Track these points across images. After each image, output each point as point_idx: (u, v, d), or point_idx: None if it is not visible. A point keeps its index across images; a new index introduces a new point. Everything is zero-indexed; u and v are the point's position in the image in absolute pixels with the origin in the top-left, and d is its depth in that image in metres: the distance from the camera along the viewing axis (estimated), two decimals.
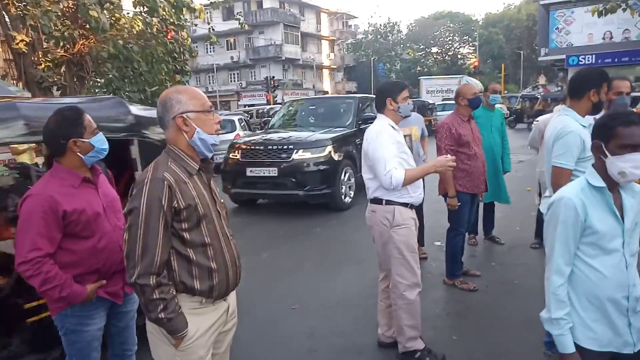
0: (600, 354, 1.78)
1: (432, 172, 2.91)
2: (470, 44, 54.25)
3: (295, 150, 7.15)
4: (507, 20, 51.80)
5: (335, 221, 6.88)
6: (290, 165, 7.09)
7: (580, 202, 1.71)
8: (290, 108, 9.58)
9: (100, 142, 2.20)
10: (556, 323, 1.75)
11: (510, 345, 3.26)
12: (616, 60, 22.08)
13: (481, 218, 5.45)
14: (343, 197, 7.48)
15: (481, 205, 5.26)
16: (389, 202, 2.92)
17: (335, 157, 7.29)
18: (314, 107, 9.36)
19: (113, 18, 9.77)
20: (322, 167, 7.11)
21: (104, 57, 9.27)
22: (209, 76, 44.57)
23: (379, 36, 54.60)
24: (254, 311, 3.91)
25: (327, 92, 45.96)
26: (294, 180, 7.08)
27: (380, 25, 56.13)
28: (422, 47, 56.54)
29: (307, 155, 7.12)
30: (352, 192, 7.71)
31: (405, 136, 3.15)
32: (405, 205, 2.94)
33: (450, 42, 57.07)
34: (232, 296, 1.97)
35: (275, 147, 7.30)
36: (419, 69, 54.24)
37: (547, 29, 25.16)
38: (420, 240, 4.90)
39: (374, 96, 3.12)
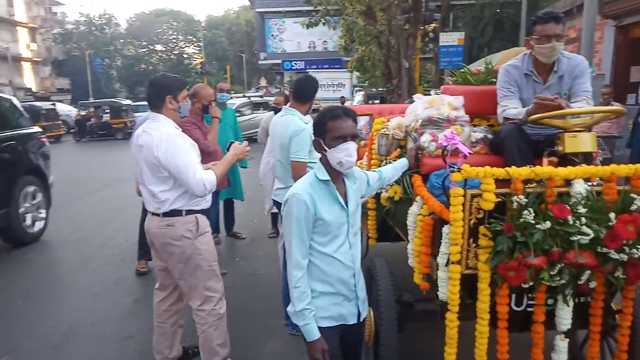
0: (333, 328, 1.95)
1: (235, 161, 2.78)
2: (195, 44, 54.85)
3: None
4: (228, 24, 54.58)
5: (50, 248, 5.82)
6: None
7: (310, 197, 1.83)
8: None
9: None
10: (301, 314, 1.83)
11: (261, 333, 3.39)
12: (319, 66, 26.11)
13: (222, 215, 5.53)
14: None
15: (221, 203, 5.36)
16: (189, 212, 2.64)
17: None
18: None
19: None
20: None
21: None
22: None
23: (93, 28, 49.26)
24: None
25: (30, 89, 38.78)
26: None
27: (95, 16, 50.73)
28: (144, 43, 53.98)
29: None
30: None
31: None
32: (202, 212, 2.74)
33: (175, 41, 56.37)
34: None
35: None
36: (142, 66, 51.62)
37: (264, 35, 27.73)
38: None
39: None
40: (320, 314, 1.90)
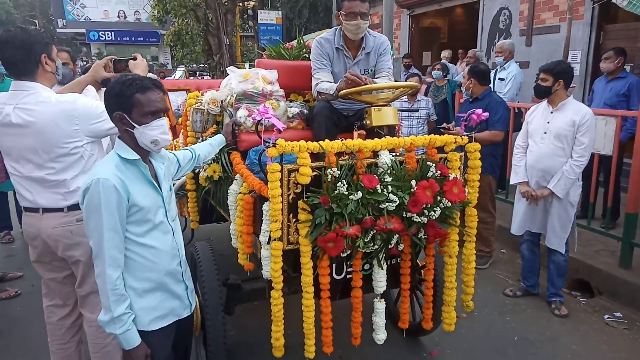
0: (167, 328, 1.77)
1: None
2: None
3: None
4: None
5: None
6: None
7: (119, 180, 1.57)
8: None
9: None
10: (119, 320, 1.59)
11: None
12: (133, 39, 23.80)
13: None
14: None
15: None
16: None
17: None
18: None
19: None
20: None
21: None
22: None
23: None
24: None
25: None
26: None
27: None
28: None
29: None
30: None
31: None
32: None
33: None
34: None
35: None
36: None
37: None
38: None
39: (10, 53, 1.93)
40: (151, 316, 1.69)
